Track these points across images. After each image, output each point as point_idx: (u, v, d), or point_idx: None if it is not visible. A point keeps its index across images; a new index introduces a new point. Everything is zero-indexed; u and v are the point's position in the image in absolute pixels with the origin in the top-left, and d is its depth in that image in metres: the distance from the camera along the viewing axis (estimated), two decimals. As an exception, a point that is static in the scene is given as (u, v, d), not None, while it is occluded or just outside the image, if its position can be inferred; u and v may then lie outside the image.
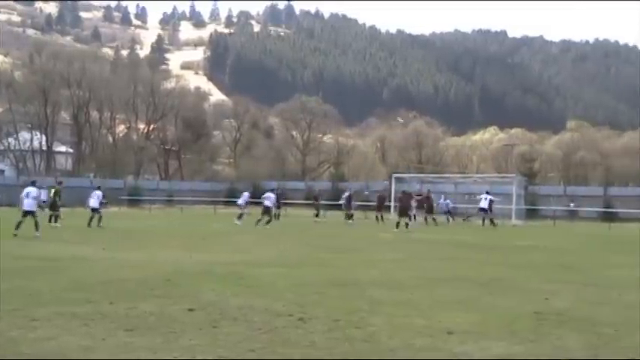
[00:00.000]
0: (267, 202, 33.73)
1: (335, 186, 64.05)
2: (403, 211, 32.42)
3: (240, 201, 38.53)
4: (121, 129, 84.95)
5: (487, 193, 41.61)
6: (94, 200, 30.84)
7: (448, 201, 45.82)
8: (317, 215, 43.95)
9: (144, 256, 17.09)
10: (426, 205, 40.61)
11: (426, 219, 39.80)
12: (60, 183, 34.06)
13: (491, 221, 38.99)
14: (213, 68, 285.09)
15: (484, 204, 39.96)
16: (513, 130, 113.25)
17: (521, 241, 26.66)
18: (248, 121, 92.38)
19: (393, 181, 47.97)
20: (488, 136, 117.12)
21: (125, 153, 78.20)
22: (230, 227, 32.73)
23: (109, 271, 13.56)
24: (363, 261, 17.16)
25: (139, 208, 58.74)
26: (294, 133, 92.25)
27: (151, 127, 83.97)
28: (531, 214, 51.00)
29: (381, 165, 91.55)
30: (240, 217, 35.92)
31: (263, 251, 19.60)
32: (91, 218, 30.06)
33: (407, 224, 32.05)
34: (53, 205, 31.53)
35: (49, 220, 29.98)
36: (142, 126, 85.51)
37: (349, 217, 39.13)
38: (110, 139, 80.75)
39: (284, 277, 12.94)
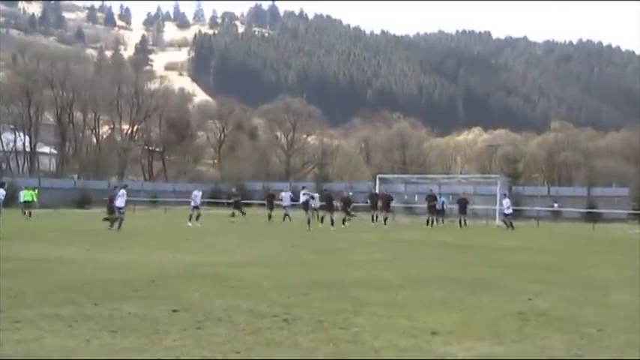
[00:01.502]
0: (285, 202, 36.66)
1: (320, 186, 64.06)
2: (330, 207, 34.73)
3: (195, 202, 37.67)
4: (104, 130, 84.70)
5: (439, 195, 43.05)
6: (121, 199, 30.50)
7: (443, 199, 45.52)
8: (233, 214, 42.86)
9: (128, 257, 17.05)
10: (385, 203, 40.10)
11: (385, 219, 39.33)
12: (125, 186, 33.42)
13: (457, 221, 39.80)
14: (198, 69, 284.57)
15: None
16: (497, 131, 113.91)
17: (504, 242, 26.79)
18: (232, 122, 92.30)
19: (378, 181, 48.03)
20: (472, 137, 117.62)
21: (109, 154, 77.97)
22: (214, 227, 32.71)
23: (94, 272, 13.52)
24: (348, 261, 17.19)
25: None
26: (278, 133, 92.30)
27: (135, 127, 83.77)
28: (515, 215, 51.23)
29: (365, 166, 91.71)
30: (197, 217, 35.91)
31: (247, 252, 19.62)
32: (115, 219, 29.78)
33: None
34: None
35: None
36: (125, 127, 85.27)
37: (345, 219, 38.48)
38: (94, 140, 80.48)
39: (268, 278, 12.94)
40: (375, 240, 26.58)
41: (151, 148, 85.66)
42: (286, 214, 40.66)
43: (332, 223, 33.60)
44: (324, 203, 35.53)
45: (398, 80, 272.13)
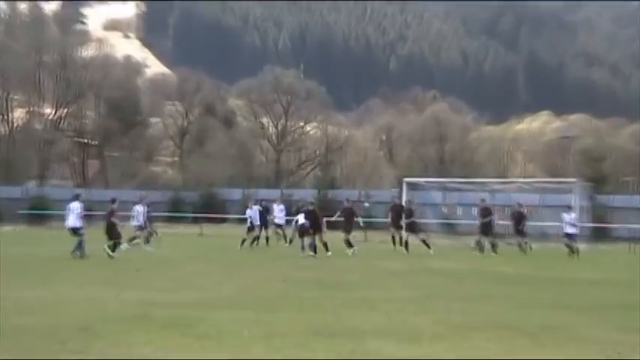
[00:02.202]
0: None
1: (322, 195, 64.01)
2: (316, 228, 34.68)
3: (136, 221, 37.76)
4: (18, 114, 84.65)
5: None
6: (73, 217, 30.67)
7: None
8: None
9: (52, 295, 17.04)
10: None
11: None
12: (78, 196, 33.61)
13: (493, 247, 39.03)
14: (151, 29, 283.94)
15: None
16: (574, 117, 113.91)
17: (583, 273, 26.74)
18: (199, 104, 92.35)
19: (405, 187, 47.99)
20: (539, 125, 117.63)
21: (25, 148, 77.91)
22: (175, 253, 32.71)
23: (4, 316, 13.51)
24: (361, 301, 17.17)
25: (44, 226, 58.40)
26: (264, 120, 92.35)
27: (62, 112, 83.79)
28: (599, 234, 51.20)
29: (387, 165, 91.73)
30: (148, 239, 36.33)
31: (221, 287, 19.61)
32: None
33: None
34: None
35: None
36: (48, 110, 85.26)
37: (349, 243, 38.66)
38: (3, 128, 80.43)
39: (251, 324, 12.92)
40: (399, 270, 26.54)
41: (84, 140, 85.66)
42: (281, 234, 41.10)
43: (326, 248, 33.87)
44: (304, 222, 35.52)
45: (433, 45, 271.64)
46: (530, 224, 42.31)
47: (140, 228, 36.81)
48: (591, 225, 50.03)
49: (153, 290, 18.53)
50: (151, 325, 12.72)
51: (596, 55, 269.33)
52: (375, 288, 20.42)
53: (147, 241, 36.27)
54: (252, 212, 39.42)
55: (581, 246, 43.10)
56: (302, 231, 34.96)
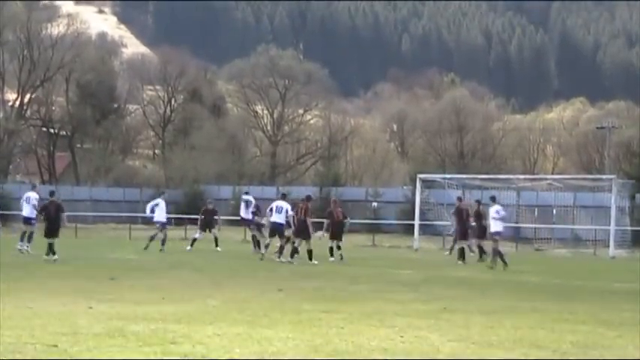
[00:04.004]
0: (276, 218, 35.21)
1: (325, 193, 64.05)
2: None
3: (159, 218, 38.55)
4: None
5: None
6: (28, 208, 31.70)
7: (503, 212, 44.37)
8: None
9: (14, 307, 17.03)
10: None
11: None
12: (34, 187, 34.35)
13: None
14: (128, 4, 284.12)
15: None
16: (611, 104, 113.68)
17: (621, 284, 26.75)
18: (184, 89, 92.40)
19: (419, 185, 48.00)
20: (572, 114, 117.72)
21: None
22: (155, 260, 32.72)
23: (-41, 331, 13.50)
24: (369, 315, 17.18)
25: (6, 228, 58.43)
26: (258, 108, 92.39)
27: (27, 98, 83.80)
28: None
29: (398, 160, 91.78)
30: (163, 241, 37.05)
31: (209, 298, 19.58)
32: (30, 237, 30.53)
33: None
34: None
35: None
36: (12, 97, 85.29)
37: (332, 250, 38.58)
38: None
39: (242, 342, 12.92)
40: (412, 280, 26.58)
41: (53, 130, 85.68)
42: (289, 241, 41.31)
43: (293, 255, 34.46)
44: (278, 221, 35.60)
45: (451, 23, 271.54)
46: (562, 227, 42.37)
47: (163, 226, 37.34)
48: (631, 228, 50.00)
49: (130, 302, 18.51)
50: (128, 342, 12.66)
51: (637, 34, 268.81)
52: (384, 300, 20.43)
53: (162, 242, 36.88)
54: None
55: (619, 252, 43.22)
56: (273, 230, 35.40)
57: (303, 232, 34.57)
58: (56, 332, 13.51)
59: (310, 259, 33.84)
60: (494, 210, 35.73)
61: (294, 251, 34.45)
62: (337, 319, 16.41)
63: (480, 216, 39.03)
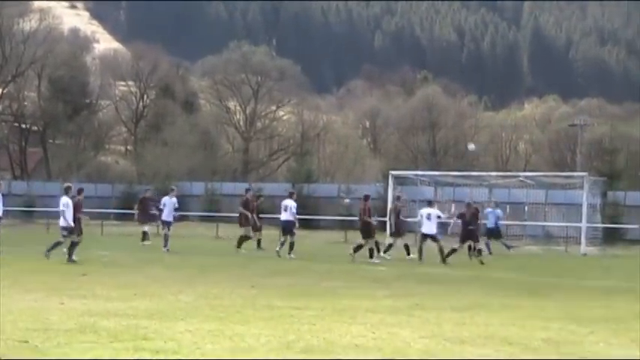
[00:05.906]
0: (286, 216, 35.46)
1: (297, 189, 63.92)
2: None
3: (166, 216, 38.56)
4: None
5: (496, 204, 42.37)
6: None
7: (498, 211, 44.25)
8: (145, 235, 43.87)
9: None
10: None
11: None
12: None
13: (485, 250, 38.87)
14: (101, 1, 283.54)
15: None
16: (584, 102, 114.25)
17: (593, 280, 26.87)
18: (156, 85, 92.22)
19: (391, 181, 48.03)
20: (544, 111, 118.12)
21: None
22: (127, 256, 32.66)
23: None
24: (341, 311, 17.19)
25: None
26: (231, 104, 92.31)
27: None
28: (611, 236, 51.38)
29: (371, 156, 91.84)
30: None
31: (181, 294, 19.57)
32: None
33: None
34: None
35: None
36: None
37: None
38: None
39: (214, 338, 12.90)
40: (385, 276, 26.60)
41: (25, 125, 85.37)
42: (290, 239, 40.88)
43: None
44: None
45: (424, 20, 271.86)
46: (533, 224, 42.46)
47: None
48: (602, 226, 50.21)
49: (102, 298, 18.48)
50: (100, 338, 12.62)
51: (609, 31, 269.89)
52: (356, 296, 20.42)
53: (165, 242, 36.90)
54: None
55: (590, 249, 43.40)
56: (283, 228, 35.82)
57: (368, 233, 34.58)
58: (27, 328, 13.47)
59: (408, 254, 35.55)
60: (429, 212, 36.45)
61: (387, 248, 36.15)
62: (309, 315, 16.42)
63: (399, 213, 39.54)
